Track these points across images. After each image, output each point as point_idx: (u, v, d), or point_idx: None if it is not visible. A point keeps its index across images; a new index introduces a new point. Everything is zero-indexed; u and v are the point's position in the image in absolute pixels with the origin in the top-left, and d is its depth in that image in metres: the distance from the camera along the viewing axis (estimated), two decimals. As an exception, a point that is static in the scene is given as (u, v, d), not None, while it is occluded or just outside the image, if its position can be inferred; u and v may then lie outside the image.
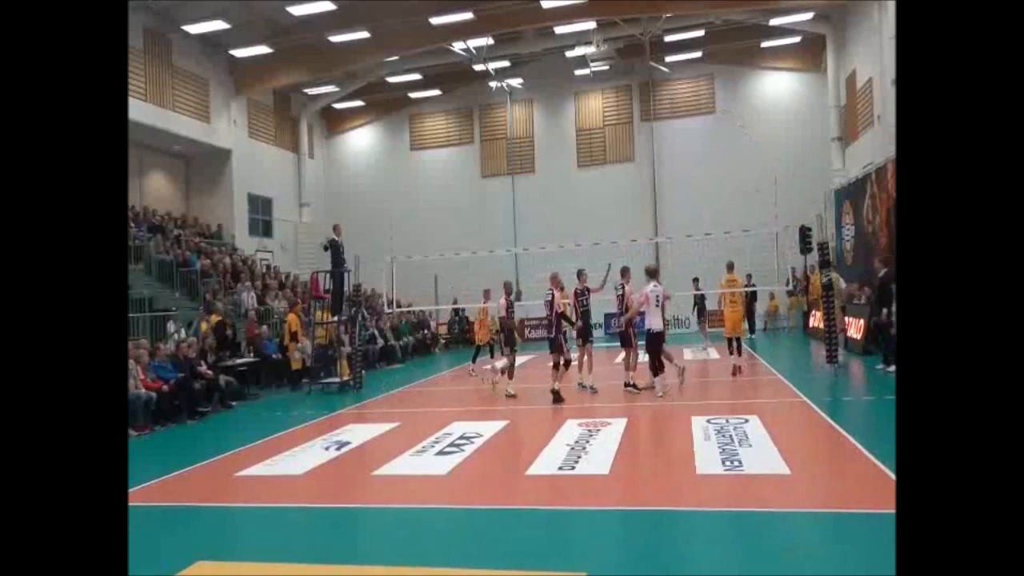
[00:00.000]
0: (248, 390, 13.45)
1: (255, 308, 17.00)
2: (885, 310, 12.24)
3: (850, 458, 6.80)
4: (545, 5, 18.66)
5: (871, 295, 13.97)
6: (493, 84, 25.62)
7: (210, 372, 11.81)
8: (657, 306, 10.77)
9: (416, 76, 25.10)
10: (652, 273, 11.26)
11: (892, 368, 11.76)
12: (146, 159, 21.29)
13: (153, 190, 21.64)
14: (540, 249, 19.76)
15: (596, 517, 5.47)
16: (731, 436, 7.54)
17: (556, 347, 11.09)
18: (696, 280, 18.60)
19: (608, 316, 21.05)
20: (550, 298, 11.20)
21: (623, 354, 12.27)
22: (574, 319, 12.13)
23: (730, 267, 13.76)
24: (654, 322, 10.76)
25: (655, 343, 10.85)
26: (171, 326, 14.66)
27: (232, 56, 21.36)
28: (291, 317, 15.03)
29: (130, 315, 13.70)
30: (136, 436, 9.61)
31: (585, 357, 11.93)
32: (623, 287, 11.66)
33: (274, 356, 14.64)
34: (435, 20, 19.26)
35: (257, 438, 9.12)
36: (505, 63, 24.42)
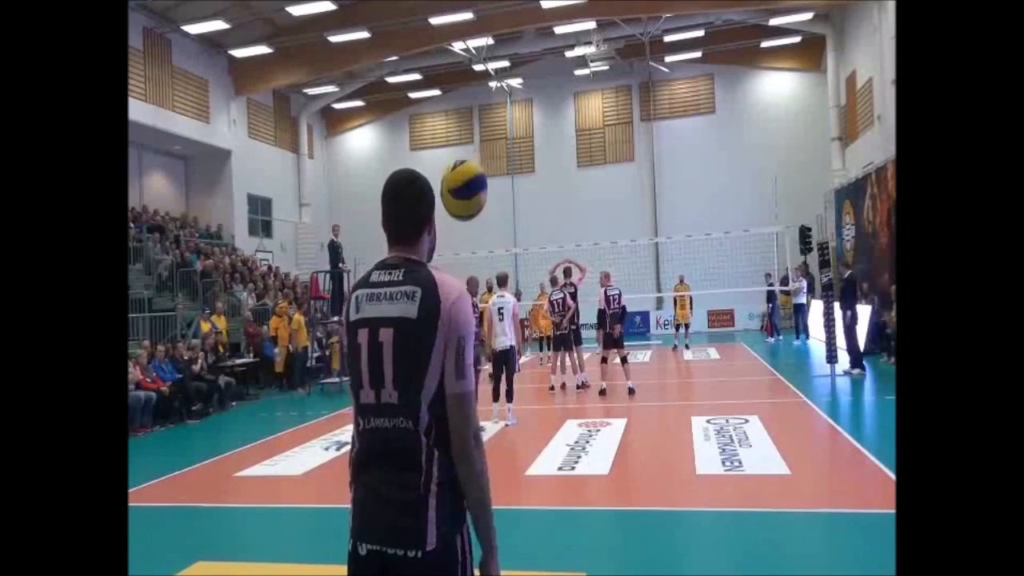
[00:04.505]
0: (247, 390, 13.47)
1: (253, 308, 17.00)
2: (849, 312, 12.18)
3: (850, 458, 6.80)
4: (545, 5, 18.64)
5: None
6: (493, 84, 25.59)
7: (209, 375, 11.81)
8: (500, 320, 9.12)
9: (416, 76, 25.08)
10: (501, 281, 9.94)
11: (857, 371, 11.80)
12: (146, 159, 21.27)
13: (153, 190, 21.62)
14: (540, 249, 19.76)
15: (596, 517, 5.47)
16: (731, 436, 7.55)
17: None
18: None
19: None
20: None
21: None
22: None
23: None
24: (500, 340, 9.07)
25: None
26: (192, 329, 14.50)
27: (231, 56, 21.33)
28: (274, 320, 14.99)
29: (130, 315, 13.68)
30: (136, 436, 9.61)
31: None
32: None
33: (276, 358, 14.65)
34: (435, 20, 19.25)
35: (257, 438, 9.13)
36: (505, 63, 24.40)
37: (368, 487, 1.91)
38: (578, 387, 11.78)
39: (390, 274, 1.99)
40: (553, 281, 12.31)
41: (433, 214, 2.10)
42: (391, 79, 25.09)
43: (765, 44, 23.10)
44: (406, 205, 2.08)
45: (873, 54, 17.38)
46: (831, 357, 12.16)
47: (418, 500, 1.83)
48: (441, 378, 1.88)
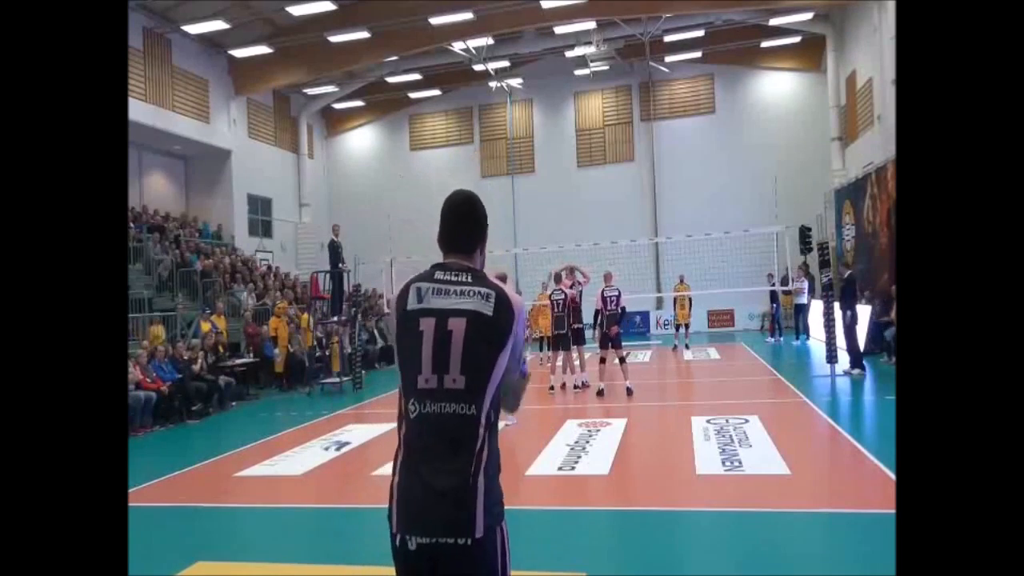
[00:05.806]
0: (247, 390, 13.47)
1: (252, 308, 16.99)
2: (849, 312, 12.26)
3: (850, 458, 6.80)
4: (545, 5, 18.64)
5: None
6: (493, 84, 25.58)
7: (209, 375, 11.80)
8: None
9: (416, 76, 25.07)
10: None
11: (857, 371, 11.90)
12: (146, 159, 21.26)
13: (153, 190, 21.62)
14: (540, 249, 19.75)
15: (596, 517, 5.47)
16: (731, 436, 7.54)
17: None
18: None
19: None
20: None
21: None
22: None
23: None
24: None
25: None
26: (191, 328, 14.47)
27: (231, 56, 21.32)
28: (273, 321, 14.97)
29: (130, 315, 13.67)
30: (136, 436, 9.61)
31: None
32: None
33: (276, 358, 14.64)
34: (435, 20, 19.25)
35: (257, 438, 9.13)
36: (505, 63, 24.39)
37: (419, 475, 1.97)
38: (576, 387, 11.78)
39: (457, 275, 2.08)
40: (557, 278, 12.22)
41: (486, 234, 2.22)
42: (391, 79, 25.08)
43: (765, 44, 23.09)
44: (466, 223, 2.18)
45: (873, 54, 17.37)
46: (831, 357, 12.16)
47: (468, 489, 1.92)
48: (504, 373, 2.01)
